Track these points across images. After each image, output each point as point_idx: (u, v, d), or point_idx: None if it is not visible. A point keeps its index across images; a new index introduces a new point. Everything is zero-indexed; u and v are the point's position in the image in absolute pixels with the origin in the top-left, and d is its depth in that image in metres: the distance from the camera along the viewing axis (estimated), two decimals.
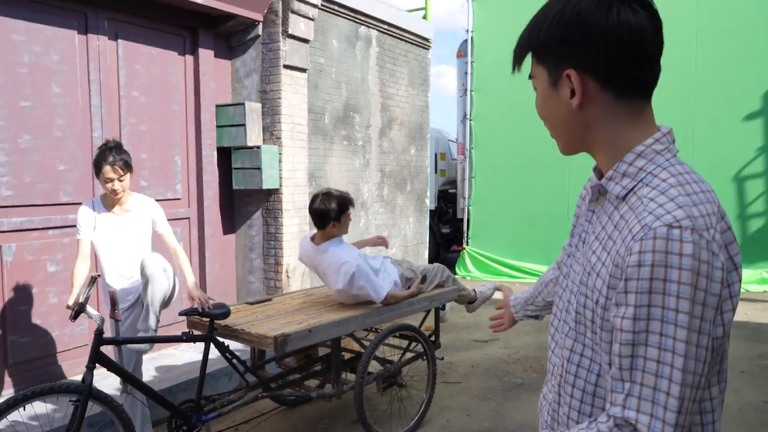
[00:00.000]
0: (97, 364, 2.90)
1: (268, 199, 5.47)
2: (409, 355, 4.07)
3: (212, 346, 3.31)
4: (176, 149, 5.12)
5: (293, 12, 5.27)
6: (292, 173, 5.51)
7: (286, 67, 5.38)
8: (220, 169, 5.42)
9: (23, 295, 4.10)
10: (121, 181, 3.28)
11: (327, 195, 3.66)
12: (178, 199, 5.16)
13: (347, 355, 4.09)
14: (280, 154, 5.38)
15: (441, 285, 4.24)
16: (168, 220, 5.44)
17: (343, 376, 3.79)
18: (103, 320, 2.92)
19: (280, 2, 5.26)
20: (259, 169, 5.21)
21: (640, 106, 1.05)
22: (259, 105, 5.37)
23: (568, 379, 1.11)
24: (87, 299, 2.91)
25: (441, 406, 4.26)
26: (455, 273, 9.45)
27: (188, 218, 5.24)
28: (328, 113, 6.15)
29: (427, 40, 7.86)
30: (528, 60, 1.11)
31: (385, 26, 6.94)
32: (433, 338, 4.27)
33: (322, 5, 5.66)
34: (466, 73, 9.55)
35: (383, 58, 7.02)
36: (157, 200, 4.90)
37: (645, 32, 0.99)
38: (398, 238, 7.55)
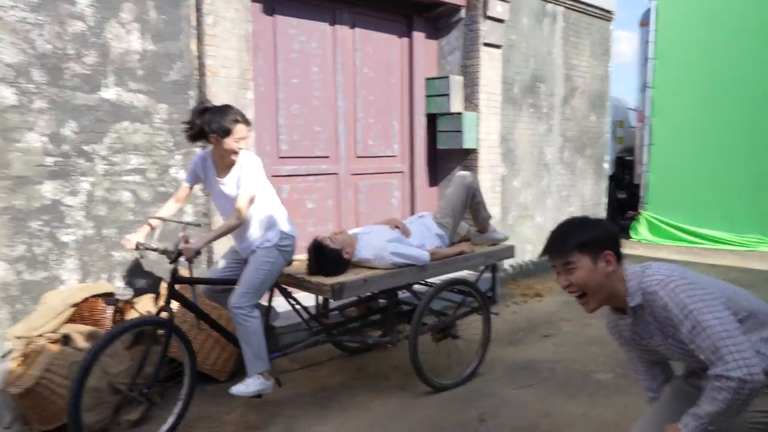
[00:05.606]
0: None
1: (466, 157, 6.47)
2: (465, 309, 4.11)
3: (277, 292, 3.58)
4: (394, 115, 6.29)
5: None
6: (487, 136, 6.44)
7: (485, 44, 6.28)
8: (427, 132, 6.51)
9: None
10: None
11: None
12: (395, 156, 6.34)
13: (406, 308, 4.20)
14: (477, 119, 6.32)
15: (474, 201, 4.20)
16: (385, 173, 6.65)
17: (401, 327, 3.92)
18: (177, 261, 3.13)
19: None
20: (460, 132, 6.21)
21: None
22: (461, 78, 6.35)
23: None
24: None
25: None
26: (629, 237, 9.80)
27: (402, 172, 6.41)
28: (517, 84, 6.97)
29: (609, 12, 8.28)
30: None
31: (570, 2, 7.53)
32: (489, 293, 4.30)
33: None
34: (647, 41, 9.69)
35: (567, 31, 7.64)
36: (378, 156, 6.16)
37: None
38: (577, 198, 8.19)
